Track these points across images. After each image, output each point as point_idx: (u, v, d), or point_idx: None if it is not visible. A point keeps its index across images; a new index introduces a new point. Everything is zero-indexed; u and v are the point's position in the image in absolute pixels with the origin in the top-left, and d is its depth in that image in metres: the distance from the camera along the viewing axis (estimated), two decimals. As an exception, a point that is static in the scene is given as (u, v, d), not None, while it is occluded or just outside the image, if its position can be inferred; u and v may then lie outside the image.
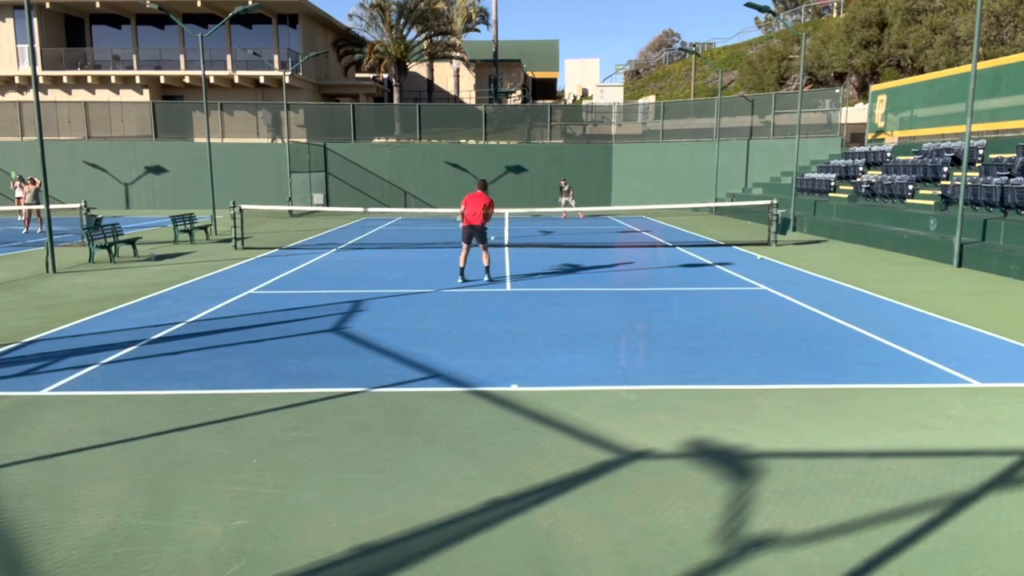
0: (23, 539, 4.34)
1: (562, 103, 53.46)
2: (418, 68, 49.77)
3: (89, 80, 40.45)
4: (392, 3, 43.94)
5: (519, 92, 53.51)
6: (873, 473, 5.21)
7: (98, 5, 39.46)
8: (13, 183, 26.36)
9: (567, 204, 29.66)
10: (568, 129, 38.72)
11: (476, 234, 13.14)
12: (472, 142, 36.25)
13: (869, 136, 27.93)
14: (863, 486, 5.00)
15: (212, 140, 30.52)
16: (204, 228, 22.24)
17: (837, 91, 31.98)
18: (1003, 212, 16.32)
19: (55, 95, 39.75)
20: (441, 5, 44.33)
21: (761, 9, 23.26)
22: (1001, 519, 4.53)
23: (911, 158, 22.34)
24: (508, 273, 14.64)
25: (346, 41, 46.49)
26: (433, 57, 47.89)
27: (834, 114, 31.50)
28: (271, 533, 4.39)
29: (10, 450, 5.69)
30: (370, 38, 45.26)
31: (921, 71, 31.81)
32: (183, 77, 40.93)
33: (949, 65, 29.89)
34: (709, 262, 16.20)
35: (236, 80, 40.80)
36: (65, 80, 40.23)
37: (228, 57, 41.39)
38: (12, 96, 39.67)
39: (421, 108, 36.81)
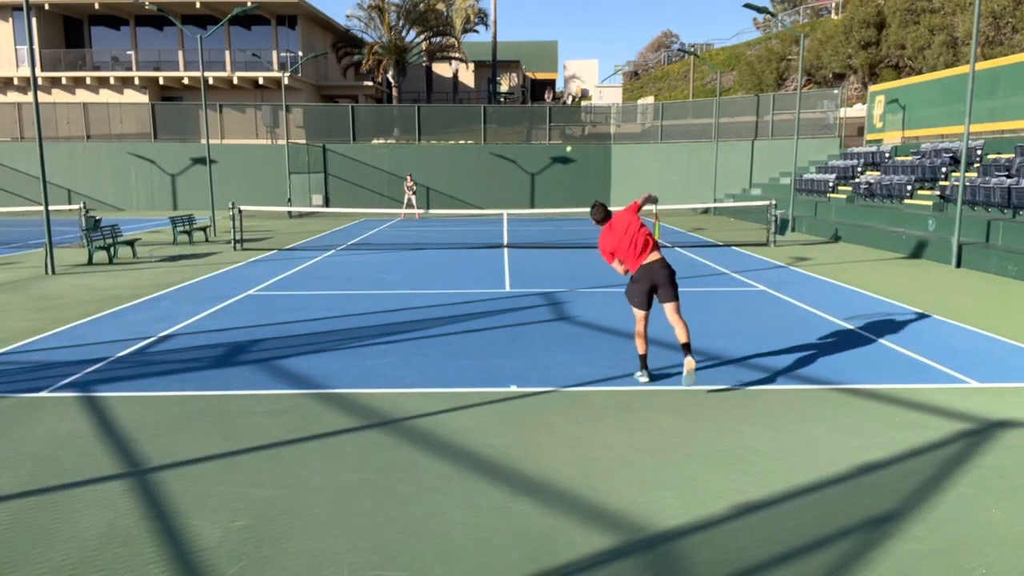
0: (23, 540, 4.33)
1: (561, 103, 53.47)
2: (417, 69, 49.78)
3: (88, 81, 40.44)
4: (391, 4, 43.96)
5: (516, 94, 53.53)
6: (873, 473, 5.21)
7: (97, 6, 39.45)
8: None
9: (409, 203, 30.52)
10: (567, 130, 38.73)
11: (664, 280, 7.02)
12: (471, 142, 36.27)
13: (868, 137, 27.95)
14: (862, 486, 5.01)
15: (211, 141, 30.52)
16: (203, 229, 22.23)
17: (836, 92, 32.00)
18: (1002, 212, 16.34)
19: (54, 96, 39.73)
20: (440, 6, 44.36)
21: (760, 10, 23.29)
22: (1001, 519, 4.53)
23: (910, 159, 22.36)
24: (507, 274, 14.64)
25: (345, 42, 46.49)
26: (432, 58, 47.92)
27: (833, 115, 31.52)
28: (270, 534, 4.39)
29: (9, 451, 5.68)
30: (369, 39, 45.28)
31: (919, 72, 31.84)
32: (182, 78, 40.93)
33: (948, 65, 29.92)
34: (708, 262, 16.21)
35: (235, 81, 40.79)
36: (64, 81, 40.21)
37: (227, 58, 41.37)
38: (12, 97, 39.65)
39: (420, 109, 36.82)
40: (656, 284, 6.99)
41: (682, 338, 6.88)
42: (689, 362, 6.72)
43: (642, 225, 7.22)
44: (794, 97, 27.26)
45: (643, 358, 7.31)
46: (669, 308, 7.00)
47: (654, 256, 7.07)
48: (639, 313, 7.12)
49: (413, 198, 31.02)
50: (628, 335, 9.23)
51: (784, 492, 4.91)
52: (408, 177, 31.93)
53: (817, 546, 4.21)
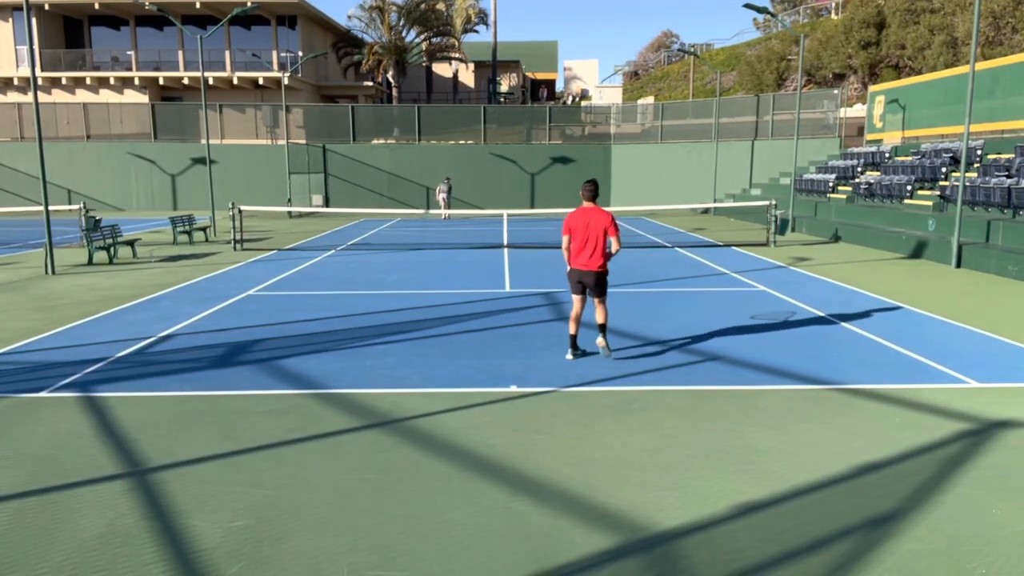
0: (23, 540, 4.33)
1: (561, 104, 53.49)
2: (417, 69, 49.79)
3: (88, 81, 40.43)
4: (391, 4, 43.96)
5: (516, 94, 53.56)
6: (873, 473, 5.21)
7: (97, 6, 39.44)
8: None
9: (444, 204, 30.70)
10: (567, 130, 38.72)
11: (591, 283, 7.93)
12: (471, 143, 36.27)
13: (868, 137, 27.95)
14: (863, 486, 5.01)
15: (211, 141, 30.50)
16: (203, 229, 22.23)
17: (836, 92, 32.00)
18: (1002, 212, 16.34)
19: (54, 96, 39.72)
20: (440, 6, 44.36)
21: (760, 10, 23.28)
22: (1001, 519, 4.53)
23: (910, 159, 22.36)
24: (507, 274, 14.65)
25: (345, 42, 46.49)
26: (432, 58, 47.91)
27: (833, 115, 31.52)
28: (270, 534, 4.39)
29: (9, 451, 5.68)
30: (369, 39, 45.29)
31: (919, 72, 31.85)
32: (182, 78, 40.91)
33: (948, 66, 29.92)
34: (708, 263, 16.21)
35: (235, 81, 40.78)
36: (64, 81, 40.19)
37: (227, 58, 41.36)
38: (12, 97, 39.64)
39: (420, 109, 36.81)
40: (584, 284, 7.97)
41: (599, 320, 8.03)
42: (600, 341, 8.00)
43: (606, 235, 7.81)
44: (794, 97, 27.26)
45: (572, 338, 8.17)
46: (595, 300, 8.03)
47: (593, 266, 7.81)
48: (573, 297, 8.12)
49: (444, 199, 30.98)
50: (628, 336, 9.25)
51: (784, 492, 4.91)
52: (446, 179, 31.76)
53: (817, 546, 4.21)
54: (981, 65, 20.56)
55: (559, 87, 64.27)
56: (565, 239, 7.95)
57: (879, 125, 27.00)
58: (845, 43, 37.87)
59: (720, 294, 12.39)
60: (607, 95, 54.85)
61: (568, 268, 8.06)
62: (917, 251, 17.04)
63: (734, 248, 19.04)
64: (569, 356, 8.17)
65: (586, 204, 7.89)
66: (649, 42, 76.16)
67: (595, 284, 7.90)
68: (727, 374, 7.65)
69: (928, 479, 5.09)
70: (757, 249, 18.69)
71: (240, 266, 16.13)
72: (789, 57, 42.69)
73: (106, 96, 39.99)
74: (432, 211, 28.75)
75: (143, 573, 3.97)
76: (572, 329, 8.17)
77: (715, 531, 4.39)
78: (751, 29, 67.92)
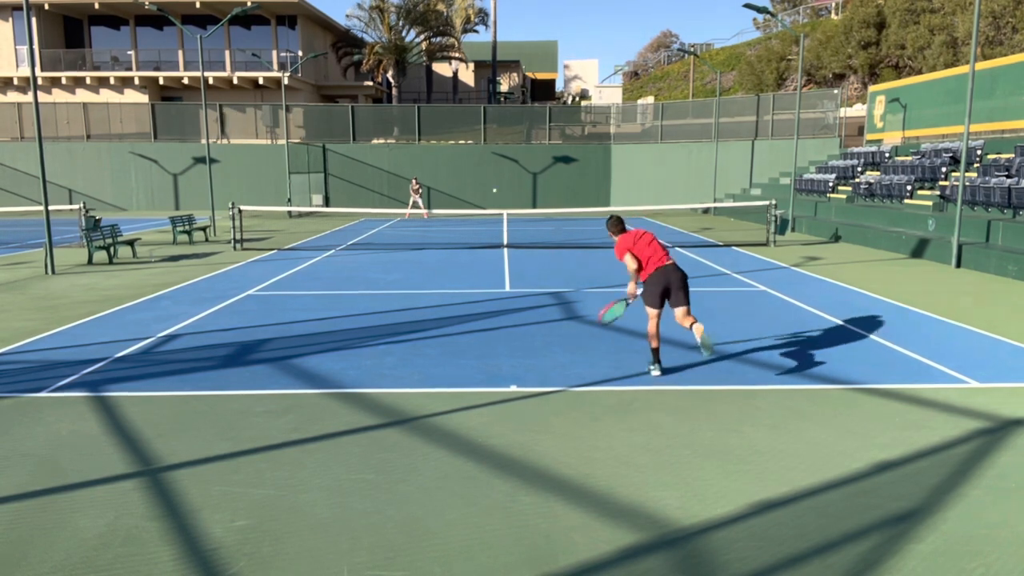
0: (23, 540, 4.33)
1: (561, 104, 53.49)
2: (417, 69, 49.78)
3: (88, 81, 40.42)
4: (391, 4, 43.96)
5: (516, 94, 53.56)
6: (873, 474, 5.21)
7: (97, 6, 39.43)
8: None
9: (415, 204, 30.89)
10: (567, 130, 38.73)
11: (676, 285, 7.45)
12: (471, 142, 36.27)
13: (868, 137, 27.95)
14: (862, 486, 5.01)
15: (211, 141, 30.49)
16: (203, 229, 22.23)
17: (836, 92, 32.00)
18: (1002, 212, 16.34)
19: (55, 96, 39.71)
20: (440, 6, 44.35)
21: (759, 10, 23.27)
22: (1001, 519, 4.53)
23: (910, 159, 22.36)
24: (507, 274, 14.65)
25: (345, 42, 46.49)
26: (432, 58, 47.91)
27: (833, 115, 31.52)
28: (270, 534, 4.39)
29: (9, 451, 5.68)
30: (369, 39, 45.28)
31: (920, 72, 31.85)
32: (182, 78, 40.91)
33: (947, 65, 29.94)
34: (708, 262, 16.21)
35: (235, 81, 40.77)
36: (64, 81, 40.19)
37: (227, 58, 41.36)
38: (12, 97, 39.63)
39: (420, 109, 36.81)
40: (669, 287, 7.40)
41: (697, 335, 7.21)
42: (697, 328, 7.17)
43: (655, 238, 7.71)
44: (794, 97, 27.26)
45: (655, 351, 7.65)
46: (679, 313, 7.39)
47: (669, 261, 7.54)
48: (652, 312, 7.54)
49: (419, 199, 31.17)
50: (628, 334, 9.25)
51: (784, 493, 4.91)
52: (414, 180, 32.03)
53: (818, 547, 4.21)
54: (981, 65, 20.57)
55: (559, 87, 64.27)
56: (625, 258, 7.56)
57: (879, 125, 27.00)
58: (845, 43, 37.89)
59: (721, 294, 12.39)
60: (607, 95, 54.86)
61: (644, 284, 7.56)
62: (917, 251, 17.04)
63: (734, 248, 19.04)
64: (656, 372, 7.64)
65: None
66: (649, 42, 76.23)
67: (680, 284, 7.51)
68: (727, 374, 7.65)
69: (928, 479, 5.09)
70: (757, 249, 18.68)
71: (240, 266, 16.13)
72: (789, 57, 42.70)
73: (106, 96, 39.98)
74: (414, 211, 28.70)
75: (144, 573, 3.97)
76: (654, 343, 7.66)
77: (716, 532, 4.39)
78: (751, 29, 67.92)
